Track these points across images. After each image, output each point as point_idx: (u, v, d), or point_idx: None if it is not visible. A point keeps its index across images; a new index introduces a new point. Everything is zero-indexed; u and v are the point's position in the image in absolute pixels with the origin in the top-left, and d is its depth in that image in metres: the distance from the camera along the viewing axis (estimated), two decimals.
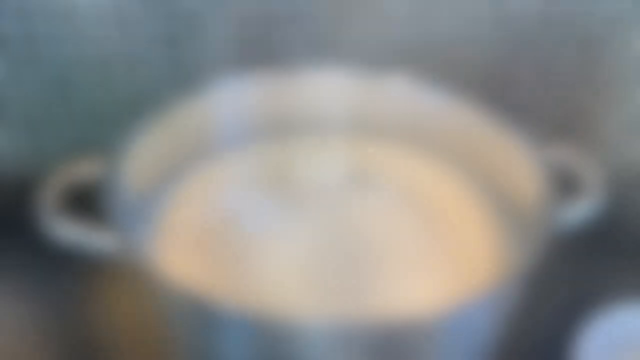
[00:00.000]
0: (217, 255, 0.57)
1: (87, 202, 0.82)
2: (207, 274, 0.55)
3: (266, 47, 0.78)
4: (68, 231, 0.52)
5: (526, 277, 0.49)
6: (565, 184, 0.82)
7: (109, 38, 0.76)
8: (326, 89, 0.69)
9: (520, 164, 0.59)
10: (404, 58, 0.80)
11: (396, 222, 0.60)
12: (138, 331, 0.65)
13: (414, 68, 0.81)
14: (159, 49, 0.77)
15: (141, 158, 0.60)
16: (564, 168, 0.61)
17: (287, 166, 0.68)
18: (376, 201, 0.62)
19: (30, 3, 0.70)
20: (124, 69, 0.79)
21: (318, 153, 0.71)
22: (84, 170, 0.58)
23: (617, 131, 0.84)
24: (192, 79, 0.80)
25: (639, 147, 0.84)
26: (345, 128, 0.72)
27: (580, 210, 0.56)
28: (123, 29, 0.75)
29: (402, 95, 0.68)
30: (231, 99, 0.67)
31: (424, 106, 0.67)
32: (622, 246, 0.77)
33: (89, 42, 0.76)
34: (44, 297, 0.67)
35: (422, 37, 0.78)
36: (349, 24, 0.74)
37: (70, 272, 0.70)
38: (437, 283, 0.54)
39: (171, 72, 0.79)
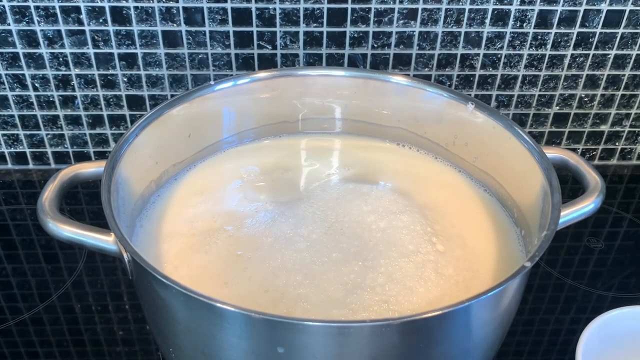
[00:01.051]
0: (217, 255, 0.57)
1: (87, 202, 0.82)
2: (207, 274, 0.55)
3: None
4: (68, 230, 0.51)
5: (527, 275, 0.49)
6: (565, 184, 0.82)
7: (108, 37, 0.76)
8: (326, 88, 0.69)
9: (521, 164, 0.59)
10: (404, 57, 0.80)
11: (396, 222, 0.59)
12: (135, 328, 0.65)
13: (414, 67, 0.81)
14: (157, 48, 0.77)
15: (141, 158, 0.59)
16: (563, 167, 0.61)
17: (287, 165, 0.68)
18: (376, 200, 0.62)
19: None
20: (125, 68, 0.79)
21: (318, 152, 0.71)
22: (85, 170, 0.58)
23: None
24: (191, 79, 0.80)
25: None
26: (345, 128, 0.72)
27: (581, 208, 0.56)
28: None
29: (403, 95, 0.68)
30: (231, 99, 0.67)
31: (424, 105, 0.67)
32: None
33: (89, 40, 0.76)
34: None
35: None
36: None
37: (69, 270, 0.70)
38: (437, 282, 0.54)
39: (171, 71, 0.79)
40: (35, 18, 0.74)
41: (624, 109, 0.86)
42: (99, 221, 0.54)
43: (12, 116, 0.81)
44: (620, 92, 0.84)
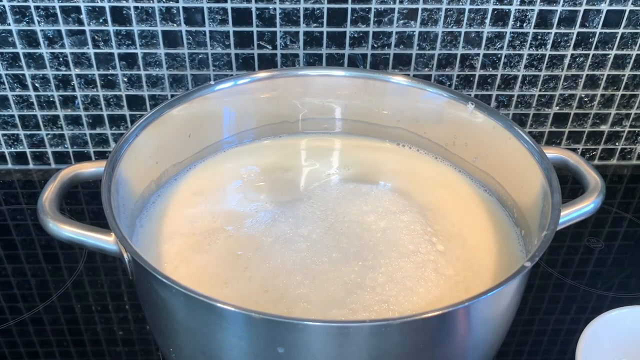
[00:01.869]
0: (217, 255, 0.57)
1: (87, 202, 0.82)
2: (207, 274, 0.55)
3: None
4: (68, 230, 0.51)
5: (527, 275, 0.49)
6: (565, 184, 0.82)
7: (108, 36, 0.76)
8: (326, 88, 0.69)
9: (521, 164, 0.59)
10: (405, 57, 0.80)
11: (396, 222, 0.59)
12: (135, 328, 0.65)
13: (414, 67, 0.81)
14: (157, 48, 0.77)
15: (141, 158, 0.59)
16: (563, 167, 0.61)
17: (287, 165, 0.68)
18: (376, 200, 0.62)
19: None
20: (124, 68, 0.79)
21: (318, 152, 0.71)
22: (85, 170, 0.58)
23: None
24: (191, 78, 0.80)
25: None
26: (345, 128, 0.72)
27: (581, 208, 0.56)
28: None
29: (403, 95, 0.68)
30: (231, 99, 0.67)
31: (424, 105, 0.67)
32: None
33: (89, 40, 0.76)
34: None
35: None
36: None
37: (69, 270, 0.70)
38: (437, 282, 0.54)
39: (171, 71, 0.79)
40: (36, 18, 0.74)
41: (624, 109, 0.86)
42: (99, 221, 0.54)
43: (12, 116, 0.81)
44: (620, 92, 0.84)
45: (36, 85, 0.79)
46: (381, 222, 0.59)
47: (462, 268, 0.56)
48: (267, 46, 0.78)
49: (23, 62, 0.77)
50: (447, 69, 0.81)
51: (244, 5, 0.74)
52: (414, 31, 0.77)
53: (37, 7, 0.73)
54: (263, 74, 0.67)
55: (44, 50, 0.76)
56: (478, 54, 0.80)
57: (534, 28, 0.78)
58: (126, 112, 0.82)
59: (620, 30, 0.79)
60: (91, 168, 0.58)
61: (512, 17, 0.77)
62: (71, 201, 0.81)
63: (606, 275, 0.72)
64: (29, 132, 0.83)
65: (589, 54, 0.81)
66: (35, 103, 0.80)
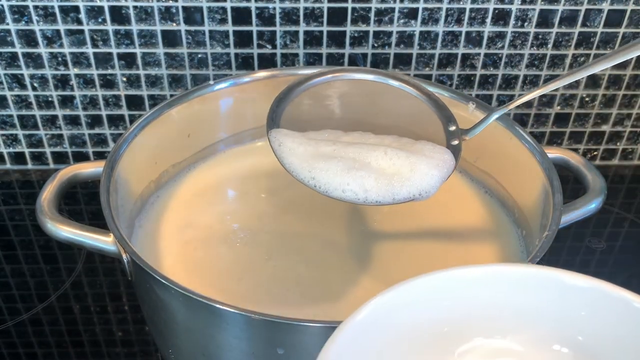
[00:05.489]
0: (216, 255, 0.56)
1: (86, 202, 0.82)
2: (207, 274, 0.55)
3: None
4: (67, 231, 0.51)
5: None
6: (567, 184, 0.82)
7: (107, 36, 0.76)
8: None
9: (522, 164, 0.59)
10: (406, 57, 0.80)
11: (396, 222, 0.59)
12: (134, 328, 0.65)
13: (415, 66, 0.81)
14: (156, 47, 0.77)
15: (140, 158, 0.59)
16: (565, 167, 0.61)
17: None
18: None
19: None
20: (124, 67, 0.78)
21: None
22: (84, 170, 0.58)
23: None
24: (191, 78, 0.80)
25: None
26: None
27: (582, 209, 0.56)
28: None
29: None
30: (230, 99, 0.67)
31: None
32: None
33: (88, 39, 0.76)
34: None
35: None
36: None
37: (68, 271, 0.70)
38: None
39: (170, 71, 0.79)
40: (34, 17, 0.74)
41: (625, 109, 0.86)
42: (98, 221, 0.54)
43: (11, 116, 0.81)
44: (621, 92, 0.84)
45: (35, 85, 0.79)
46: (382, 222, 0.59)
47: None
48: (267, 45, 0.77)
49: (22, 62, 0.77)
50: (447, 69, 0.81)
51: (244, 4, 0.74)
52: (414, 30, 0.77)
53: (35, 7, 0.73)
54: (263, 73, 0.67)
55: (43, 50, 0.76)
56: (479, 54, 0.79)
57: (535, 27, 0.78)
58: (125, 112, 0.82)
59: (622, 30, 0.79)
60: (90, 168, 0.58)
61: (513, 16, 0.76)
62: (70, 201, 0.81)
63: (607, 276, 0.72)
64: (27, 132, 0.83)
65: (590, 54, 0.80)
66: (33, 103, 0.80)
